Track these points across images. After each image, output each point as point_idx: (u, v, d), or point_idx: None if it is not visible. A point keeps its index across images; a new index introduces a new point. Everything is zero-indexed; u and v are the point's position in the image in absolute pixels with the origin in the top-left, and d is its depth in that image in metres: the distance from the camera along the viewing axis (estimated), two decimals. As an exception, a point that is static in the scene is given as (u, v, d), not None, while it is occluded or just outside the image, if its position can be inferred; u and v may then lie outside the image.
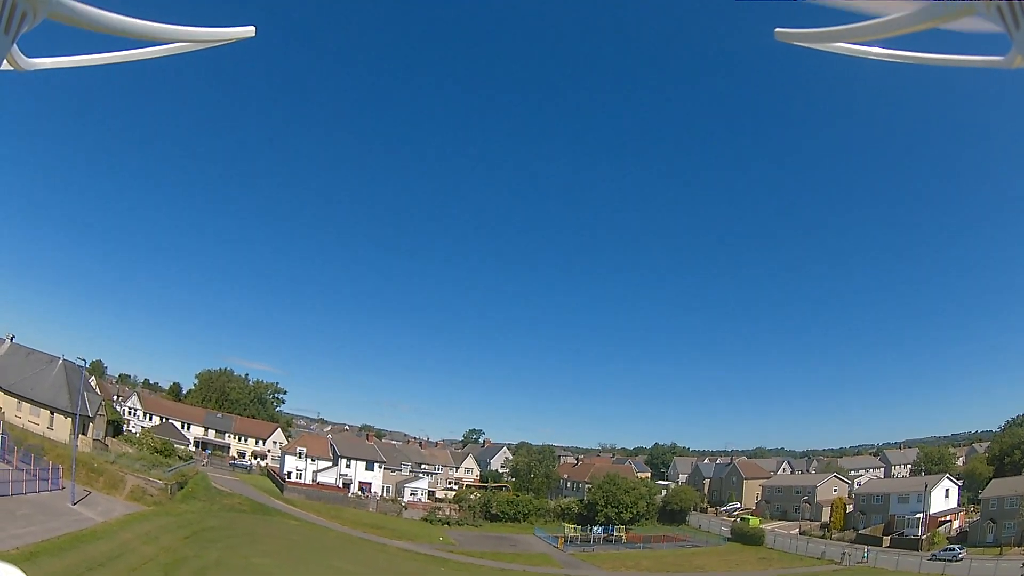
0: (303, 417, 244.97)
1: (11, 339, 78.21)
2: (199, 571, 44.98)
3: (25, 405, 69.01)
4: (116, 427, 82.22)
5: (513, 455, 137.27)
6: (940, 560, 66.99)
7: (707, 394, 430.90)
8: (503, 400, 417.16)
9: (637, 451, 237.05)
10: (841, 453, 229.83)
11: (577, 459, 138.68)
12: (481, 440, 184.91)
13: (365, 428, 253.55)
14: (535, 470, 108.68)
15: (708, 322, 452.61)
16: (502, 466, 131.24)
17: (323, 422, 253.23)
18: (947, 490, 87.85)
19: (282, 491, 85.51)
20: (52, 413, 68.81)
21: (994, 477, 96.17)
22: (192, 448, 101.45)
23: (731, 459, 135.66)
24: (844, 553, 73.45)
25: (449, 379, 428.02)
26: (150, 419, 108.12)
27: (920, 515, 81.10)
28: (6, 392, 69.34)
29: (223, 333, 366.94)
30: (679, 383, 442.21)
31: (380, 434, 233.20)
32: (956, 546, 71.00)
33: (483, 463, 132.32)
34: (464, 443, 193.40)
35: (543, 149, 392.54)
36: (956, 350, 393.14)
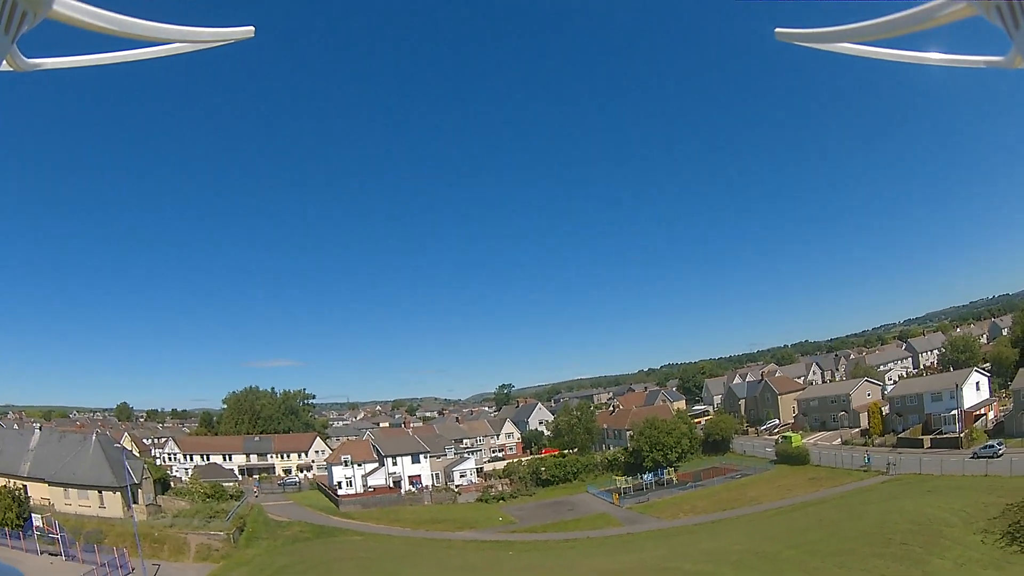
0: (333, 405, 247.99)
1: (39, 428, 77.80)
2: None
3: (72, 491, 68.28)
4: (164, 484, 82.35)
5: (549, 411, 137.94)
6: (981, 457, 65.87)
7: (724, 299, 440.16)
8: (525, 344, 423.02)
9: (666, 370, 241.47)
10: (864, 337, 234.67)
11: (612, 407, 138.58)
12: (512, 394, 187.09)
13: (397, 404, 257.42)
14: (576, 428, 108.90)
15: (719, 226, 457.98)
16: (540, 422, 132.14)
17: (354, 407, 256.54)
18: (977, 383, 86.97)
19: (338, 506, 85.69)
20: (100, 492, 68.14)
21: (1020, 361, 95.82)
22: (239, 478, 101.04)
23: (762, 376, 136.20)
24: (889, 463, 72.87)
25: (467, 336, 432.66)
26: (191, 459, 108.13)
27: (955, 412, 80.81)
28: (51, 484, 68.63)
29: (238, 340, 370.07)
30: (697, 293, 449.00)
31: (412, 408, 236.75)
32: (995, 442, 69.78)
33: (521, 424, 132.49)
34: (497, 404, 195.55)
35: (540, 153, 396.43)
36: (961, 222, 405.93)
